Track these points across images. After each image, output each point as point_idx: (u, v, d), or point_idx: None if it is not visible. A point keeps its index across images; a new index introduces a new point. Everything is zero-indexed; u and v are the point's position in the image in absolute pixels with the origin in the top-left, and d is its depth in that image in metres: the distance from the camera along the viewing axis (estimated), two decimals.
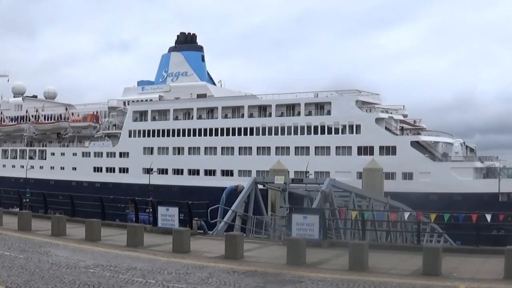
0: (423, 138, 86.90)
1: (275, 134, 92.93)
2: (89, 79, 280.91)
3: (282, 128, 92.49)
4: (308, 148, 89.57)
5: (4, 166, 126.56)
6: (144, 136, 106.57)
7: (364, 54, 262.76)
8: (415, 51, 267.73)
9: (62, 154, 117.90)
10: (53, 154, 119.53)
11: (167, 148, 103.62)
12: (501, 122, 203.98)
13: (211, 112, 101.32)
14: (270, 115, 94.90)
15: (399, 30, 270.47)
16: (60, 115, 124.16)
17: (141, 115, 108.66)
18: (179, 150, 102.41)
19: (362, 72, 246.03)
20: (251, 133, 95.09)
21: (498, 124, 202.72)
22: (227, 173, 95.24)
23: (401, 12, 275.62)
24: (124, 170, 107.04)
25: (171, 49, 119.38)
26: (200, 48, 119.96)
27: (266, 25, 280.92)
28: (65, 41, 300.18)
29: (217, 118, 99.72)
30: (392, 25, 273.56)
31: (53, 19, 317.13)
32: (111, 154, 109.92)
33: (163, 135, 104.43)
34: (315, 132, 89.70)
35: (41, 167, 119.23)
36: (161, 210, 31.46)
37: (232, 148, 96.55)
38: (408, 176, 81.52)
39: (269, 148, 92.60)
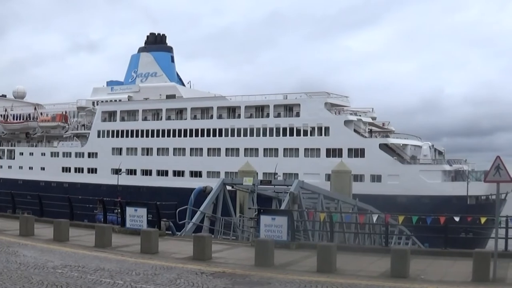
0: (392, 140, 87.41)
1: (244, 136, 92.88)
2: (58, 79, 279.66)
3: (251, 130, 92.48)
4: (277, 149, 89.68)
5: None
6: (112, 136, 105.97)
7: (331, 57, 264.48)
8: (383, 53, 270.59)
9: (31, 154, 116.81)
10: (21, 154, 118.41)
11: (136, 148, 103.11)
12: (469, 125, 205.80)
13: (180, 113, 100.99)
14: (239, 116, 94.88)
15: (367, 33, 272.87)
16: (29, 114, 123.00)
17: (110, 116, 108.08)
18: (147, 151, 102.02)
19: (329, 74, 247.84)
20: (220, 134, 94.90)
21: (466, 127, 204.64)
22: (196, 174, 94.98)
23: (369, 15, 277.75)
24: (92, 171, 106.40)
25: (141, 50, 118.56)
26: (170, 49, 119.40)
27: (234, 26, 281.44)
28: (33, 40, 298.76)
29: (186, 119, 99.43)
30: (360, 28, 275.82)
31: (21, 19, 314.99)
32: (79, 154, 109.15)
33: (131, 136, 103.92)
34: (284, 134, 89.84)
35: (9, 167, 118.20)
36: (129, 210, 31.35)
37: (201, 149, 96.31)
38: (376, 178, 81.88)
39: (238, 149, 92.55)
